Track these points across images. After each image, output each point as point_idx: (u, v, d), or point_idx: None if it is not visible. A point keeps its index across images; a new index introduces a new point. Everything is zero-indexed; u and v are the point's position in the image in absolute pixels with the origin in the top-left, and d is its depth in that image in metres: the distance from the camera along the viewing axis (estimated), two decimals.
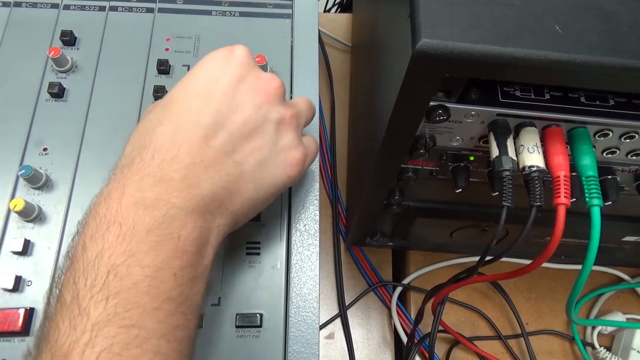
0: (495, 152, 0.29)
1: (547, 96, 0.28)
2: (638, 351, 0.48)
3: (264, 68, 0.41)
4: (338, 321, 0.52)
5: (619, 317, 0.52)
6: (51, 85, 0.39)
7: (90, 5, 0.43)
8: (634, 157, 0.31)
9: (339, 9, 0.82)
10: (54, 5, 0.43)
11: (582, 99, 0.29)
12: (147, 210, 0.26)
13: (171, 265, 0.26)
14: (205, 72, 0.31)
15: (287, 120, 0.32)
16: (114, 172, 0.28)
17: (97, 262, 0.24)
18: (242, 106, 0.30)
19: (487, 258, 0.32)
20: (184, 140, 0.28)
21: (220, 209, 0.29)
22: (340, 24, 0.67)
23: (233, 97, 0.30)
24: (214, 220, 0.29)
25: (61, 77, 0.40)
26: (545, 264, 0.54)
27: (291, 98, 0.41)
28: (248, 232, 0.37)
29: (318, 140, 0.37)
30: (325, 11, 0.82)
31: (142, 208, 0.26)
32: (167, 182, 0.27)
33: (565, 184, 0.28)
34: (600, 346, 0.51)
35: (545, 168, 0.28)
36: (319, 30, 0.45)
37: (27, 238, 0.34)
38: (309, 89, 0.42)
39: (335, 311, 0.52)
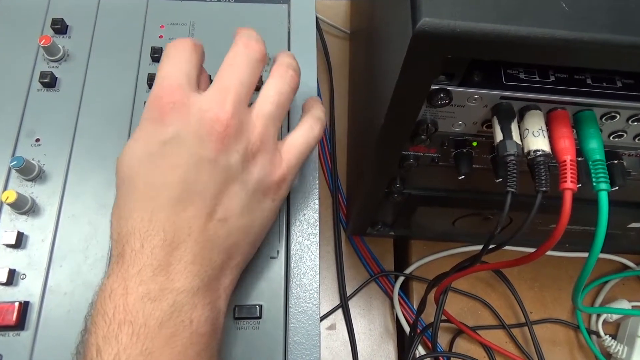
0: (499, 136, 0.28)
1: (552, 78, 0.28)
2: None
3: None
4: (339, 312, 0.51)
5: (624, 304, 0.52)
6: (42, 74, 0.38)
7: None
8: None
9: None
10: None
11: (589, 81, 0.28)
12: (154, 303, 0.26)
13: (189, 353, 0.26)
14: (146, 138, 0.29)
15: (251, 151, 0.30)
16: (110, 264, 0.27)
17: None
18: (203, 162, 0.28)
19: (491, 246, 0.31)
20: (164, 220, 0.27)
21: (223, 271, 0.29)
22: (338, 10, 0.66)
23: (193, 160, 0.28)
24: (220, 286, 0.29)
25: (53, 66, 0.39)
26: (549, 252, 0.53)
27: None
28: None
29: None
30: None
31: (149, 302, 0.26)
32: (165, 269, 0.26)
33: (571, 168, 0.27)
34: (606, 334, 0.51)
35: (550, 152, 0.28)
36: (317, 17, 0.44)
37: (21, 230, 0.34)
38: (306, 77, 0.40)
39: (337, 302, 0.51)
